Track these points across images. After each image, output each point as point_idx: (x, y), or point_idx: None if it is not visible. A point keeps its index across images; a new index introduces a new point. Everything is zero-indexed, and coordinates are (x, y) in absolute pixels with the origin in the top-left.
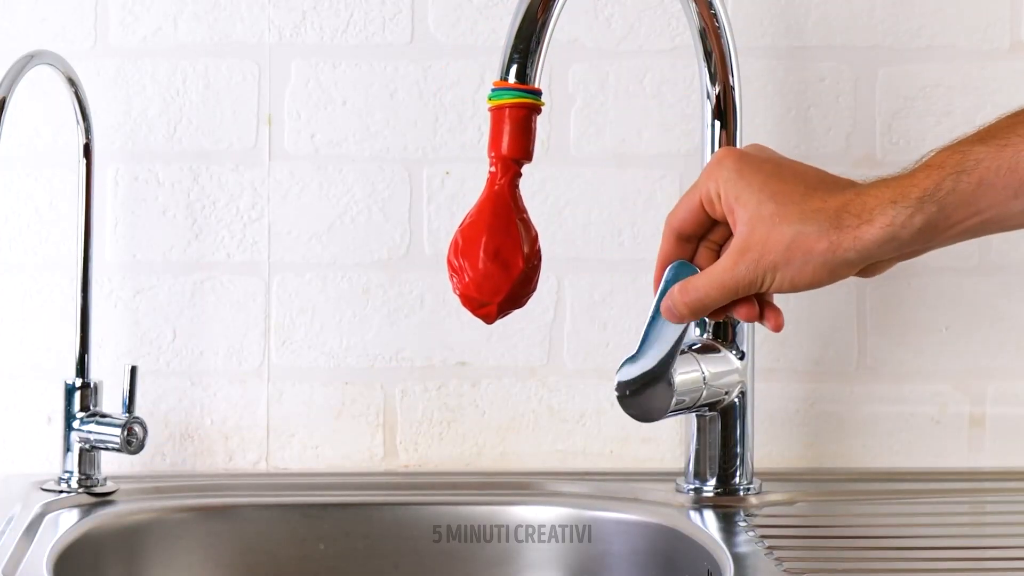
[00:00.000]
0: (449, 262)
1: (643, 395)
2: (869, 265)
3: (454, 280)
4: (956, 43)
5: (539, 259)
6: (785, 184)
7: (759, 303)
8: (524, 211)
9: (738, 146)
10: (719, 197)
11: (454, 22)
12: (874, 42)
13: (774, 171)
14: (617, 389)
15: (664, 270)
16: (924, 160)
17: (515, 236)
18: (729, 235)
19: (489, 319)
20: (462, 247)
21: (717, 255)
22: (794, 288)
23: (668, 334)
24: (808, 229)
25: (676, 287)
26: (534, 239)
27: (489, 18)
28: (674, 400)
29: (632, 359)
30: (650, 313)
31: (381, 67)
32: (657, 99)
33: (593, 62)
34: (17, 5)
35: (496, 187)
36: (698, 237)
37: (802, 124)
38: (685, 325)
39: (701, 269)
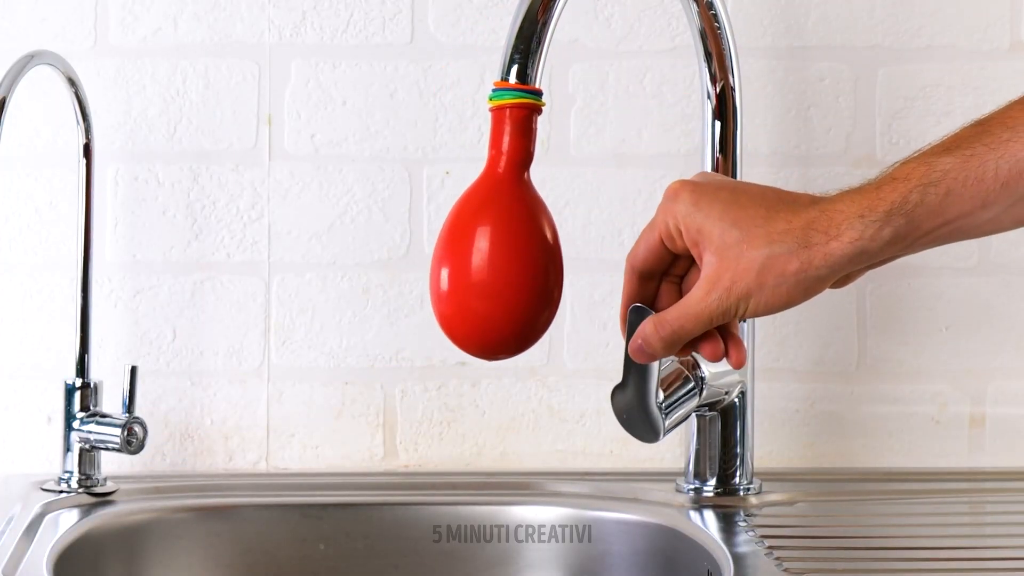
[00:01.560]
0: (432, 264)
1: (636, 422)
2: (841, 277)
3: (432, 291)
4: (956, 43)
5: (558, 279)
6: (745, 209)
7: (723, 337)
8: (543, 209)
9: (738, 147)
10: (679, 232)
11: (454, 22)
12: (874, 42)
13: (731, 197)
14: (616, 416)
15: (628, 310)
16: (889, 172)
17: (523, 244)
18: (690, 267)
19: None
20: (450, 247)
21: (679, 289)
22: (769, 310)
23: (641, 367)
24: (777, 251)
25: (649, 323)
26: (554, 249)
27: (489, 18)
28: (667, 422)
29: (620, 387)
30: (624, 350)
31: (381, 67)
32: (657, 99)
33: (593, 62)
34: (17, 5)
35: (500, 170)
36: (660, 273)
37: (802, 124)
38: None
39: (662, 306)
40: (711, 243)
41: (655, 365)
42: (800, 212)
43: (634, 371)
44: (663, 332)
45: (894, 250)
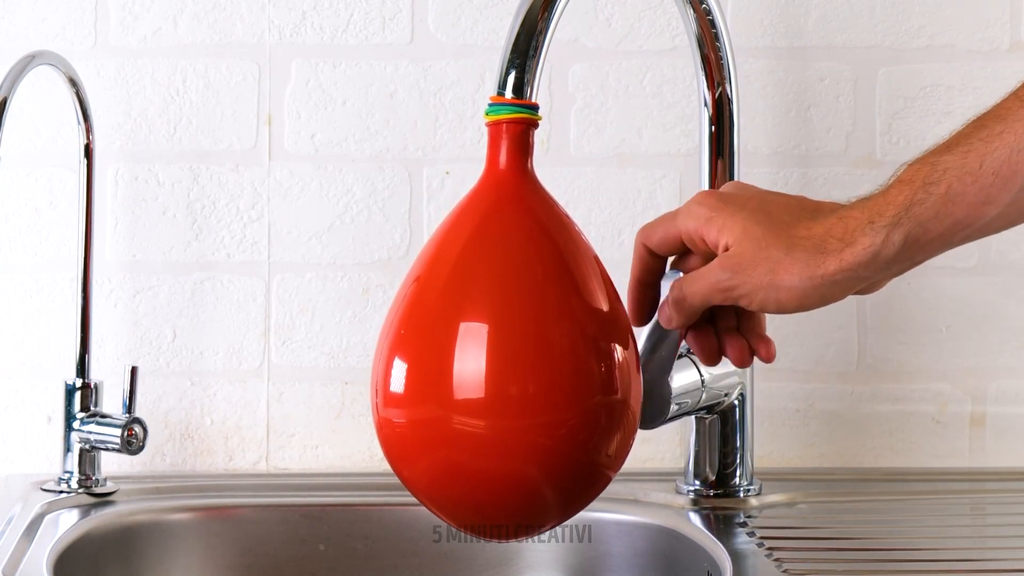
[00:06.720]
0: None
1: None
2: (866, 284)
3: (376, 420)
4: (956, 43)
5: (635, 391)
6: (770, 216)
7: (748, 340)
8: (578, 234)
9: (735, 152)
10: (700, 236)
11: (454, 22)
12: (874, 42)
13: (758, 206)
14: None
15: (638, 287)
16: (897, 175)
17: (561, 323)
18: (702, 264)
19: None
20: (406, 350)
21: None
22: (781, 309)
23: (662, 343)
24: (795, 255)
25: (672, 287)
26: (610, 326)
27: (489, 18)
28: (672, 407)
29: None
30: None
31: (381, 67)
32: (657, 99)
33: (593, 62)
34: (17, 5)
35: (502, 167)
36: (671, 256)
37: (802, 124)
38: (679, 334)
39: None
40: (733, 236)
41: (672, 350)
42: (820, 220)
43: (648, 354)
44: (674, 293)
45: (909, 254)
